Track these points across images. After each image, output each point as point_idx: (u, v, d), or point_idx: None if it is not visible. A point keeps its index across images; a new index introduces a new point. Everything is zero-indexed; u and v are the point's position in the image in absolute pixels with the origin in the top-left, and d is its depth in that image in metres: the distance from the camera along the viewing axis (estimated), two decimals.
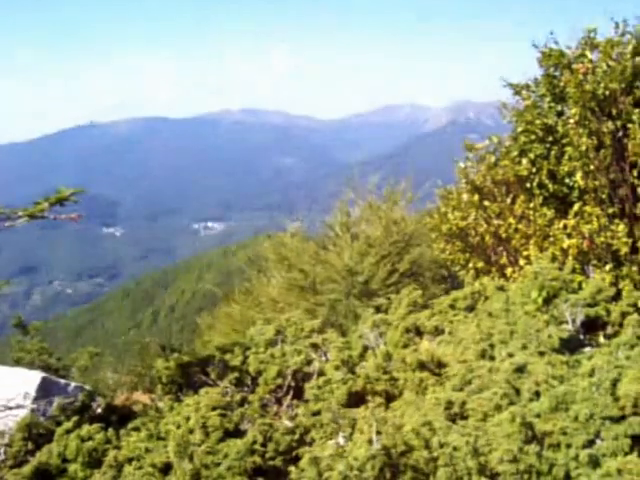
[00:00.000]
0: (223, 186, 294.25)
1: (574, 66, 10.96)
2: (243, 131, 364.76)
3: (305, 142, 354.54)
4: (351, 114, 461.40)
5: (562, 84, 11.17)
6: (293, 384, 8.27)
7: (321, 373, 8.26)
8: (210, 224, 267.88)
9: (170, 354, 9.16)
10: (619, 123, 10.53)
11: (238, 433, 7.38)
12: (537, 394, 6.56)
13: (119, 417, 8.54)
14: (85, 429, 7.81)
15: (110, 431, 7.87)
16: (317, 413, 7.61)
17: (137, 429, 7.97)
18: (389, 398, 7.80)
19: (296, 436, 7.34)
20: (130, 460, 7.32)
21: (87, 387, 9.90)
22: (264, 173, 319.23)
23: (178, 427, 7.43)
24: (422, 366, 7.95)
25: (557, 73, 11.43)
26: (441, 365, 8.00)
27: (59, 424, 8.14)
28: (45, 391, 8.85)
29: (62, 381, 9.74)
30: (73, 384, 9.63)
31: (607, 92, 10.47)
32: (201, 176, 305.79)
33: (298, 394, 8.23)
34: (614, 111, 10.59)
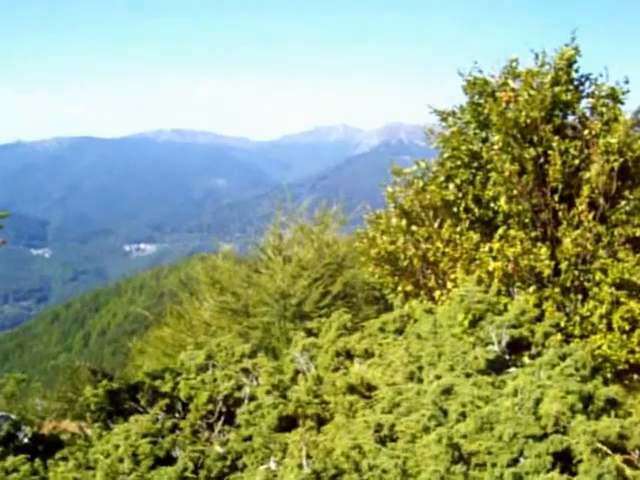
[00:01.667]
0: (155, 207, 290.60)
1: (497, 94, 11.34)
2: (174, 152, 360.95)
3: (237, 163, 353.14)
4: (283, 135, 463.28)
5: (486, 111, 11.53)
6: (224, 409, 8.26)
7: (252, 398, 8.27)
8: (142, 245, 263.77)
9: (101, 379, 9.01)
10: (540, 150, 10.95)
11: (169, 460, 7.34)
12: (463, 415, 6.73)
13: (46, 446, 8.36)
14: (10, 461, 7.61)
15: (37, 462, 7.68)
16: (248, 438, 7.63)
17: (65, 459, 7.81)
18: (320, 422, 7.87)
19: (228, 462, 7.35)
20: None
21: (13, 416, 9.66)
22: (196, 194, 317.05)
23: (107, 456, 7.33)
24: (352, 389, 8.06)
25: (481, 101, 11.78)
26: (371, 388, 8.11)
27: None
28: None
29: None
30: None
31: (528, 120, 10.89)
32: (132, 197, 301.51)
33: (229, 419, 8.22)
34: (535, 138, 11.01)
